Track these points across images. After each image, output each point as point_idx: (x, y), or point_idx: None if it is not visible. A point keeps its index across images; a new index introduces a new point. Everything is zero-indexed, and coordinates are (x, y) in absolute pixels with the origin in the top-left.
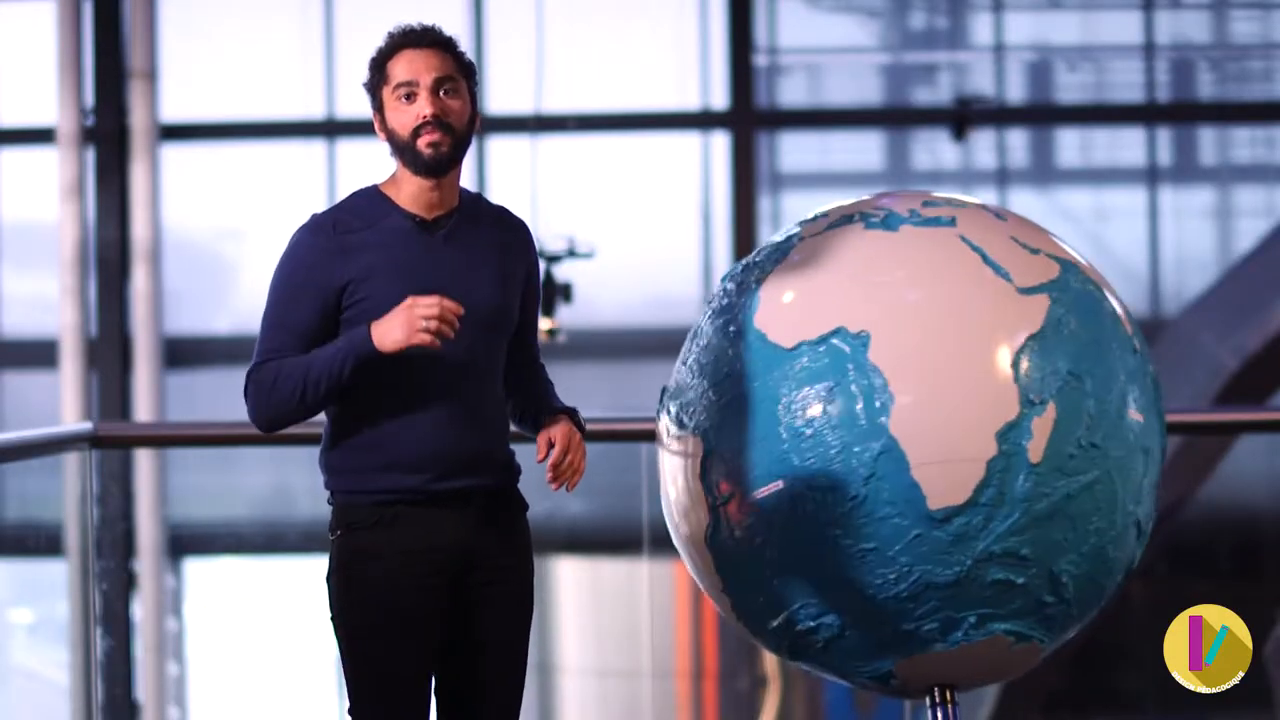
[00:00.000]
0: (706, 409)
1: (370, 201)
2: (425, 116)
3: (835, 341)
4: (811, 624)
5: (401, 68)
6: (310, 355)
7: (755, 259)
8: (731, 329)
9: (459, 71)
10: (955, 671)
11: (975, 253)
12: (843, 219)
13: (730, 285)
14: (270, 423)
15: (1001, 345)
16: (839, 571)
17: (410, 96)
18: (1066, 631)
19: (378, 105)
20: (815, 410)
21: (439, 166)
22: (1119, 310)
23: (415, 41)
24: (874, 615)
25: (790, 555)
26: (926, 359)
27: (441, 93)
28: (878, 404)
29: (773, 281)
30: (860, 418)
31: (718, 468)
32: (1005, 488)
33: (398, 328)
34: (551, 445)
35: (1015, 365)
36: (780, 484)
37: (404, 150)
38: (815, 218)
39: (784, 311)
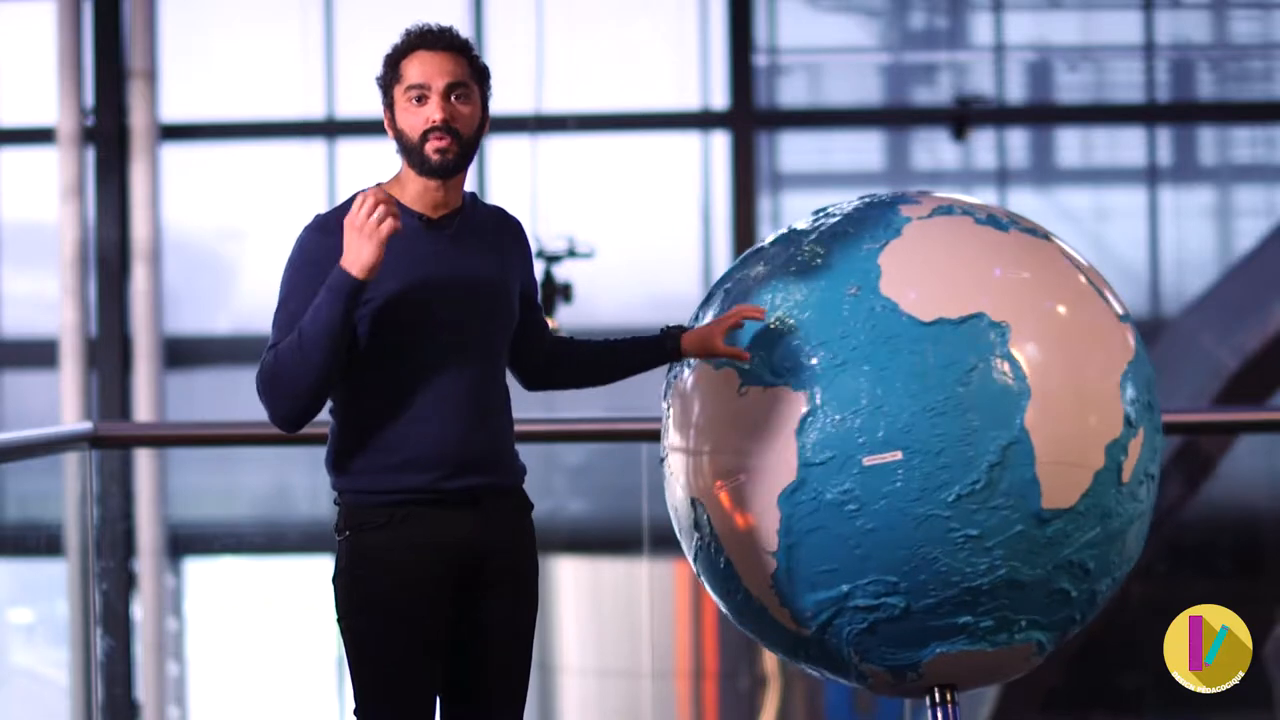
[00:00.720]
0: (811, 366)
1: None
2: (434, 121)
3: (978, 325)
4: (872, 601)
5: (415, 69)
6: (298, 323)
7: (825, 224)
8: (850, 290)
9: (472, 76)
10: (962, 670)
11: (1078, 271)
12: (940, 209)
13: (817, 247)
14: (289, 410)
15: (1115, 364)
16: (930, 553)
17: (421, 99)
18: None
19: (388, 103)
20: (952, 389)
21: (444, 172)
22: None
23: (430, 43)
24: (942, 604)
25: (884, 528)
26: (1059, 361)
27: (453, 98)
28: (1016, 394)
29: (893, 255)
30: (999, 405)
31: (820, 426)
32: (1099, 500)
33: (357, 245)
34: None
35: (1122, 385)
36: (899, 454)
37: (411, 151)
38: (874, 200)
39: (915, 286)
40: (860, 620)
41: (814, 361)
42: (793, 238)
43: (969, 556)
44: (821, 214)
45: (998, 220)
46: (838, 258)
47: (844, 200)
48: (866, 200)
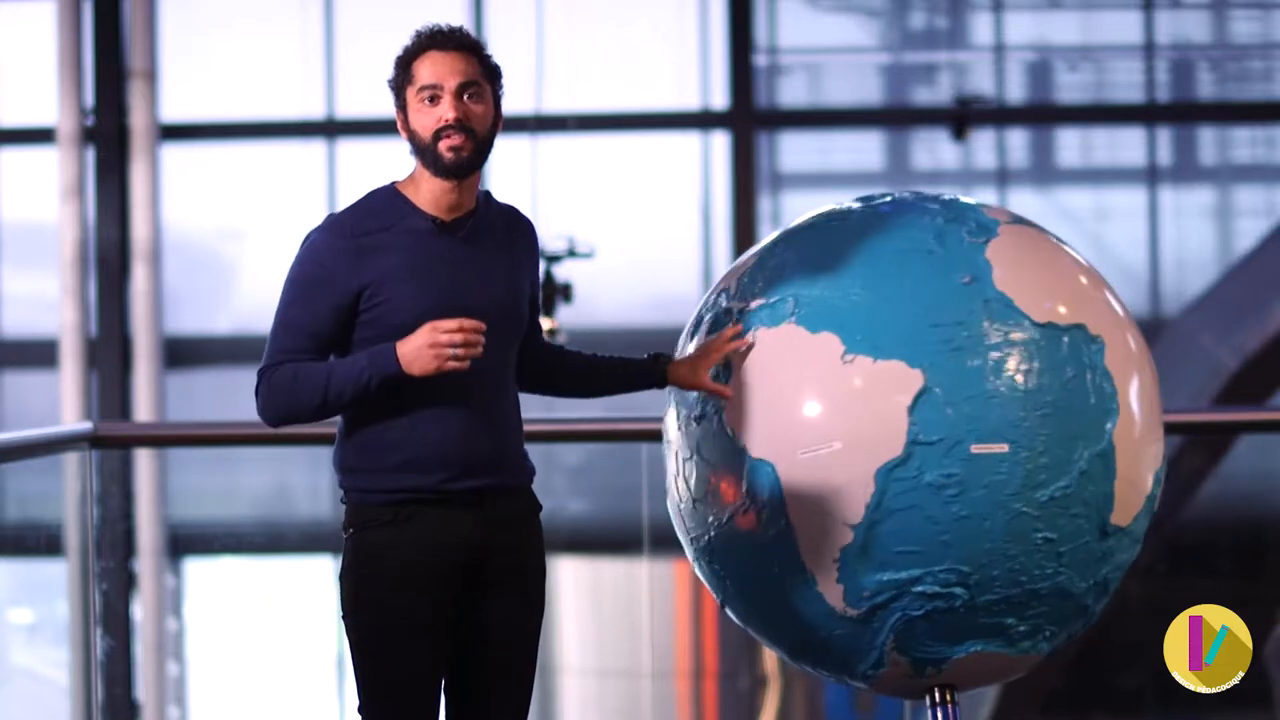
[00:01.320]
0: (926, 346)
1: (388, 202)
2: (447, 120)
3: (1081, 335)
4: (938, 589)
5: (426, 69)
6: (330, 365)
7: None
8: (964, 280)
9: (484, 76)
10: (979, 672)
11: (1116, 300)
12: (1016, 219)
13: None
14: (282, 421)
15: (1156, 395)
16: (1010, 549)
17: (434, 99)
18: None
19: (401, 104)
20: (1059, 392)
21: (459, 170)
22: None
23: (441, 44)
24: (999, 602)
25: (976, 517)
26: (1137, 384)
27: (465, 97)
28: (1108, 408)
29: (997, 253)
30: (1091, 414)
31: (935, 406)
32: (1142, 524)
33: (425, 355)
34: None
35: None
36: (1006, 447)
37: (424, 152)
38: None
39: (1024, 288)
40: (918, 606)
41: (929, 342)
42: (852, 215)
43: (1041, 559)
44: (872, 200)
45: (1060, 239)
46: (936, 245)
47: (884, 191)
48: (919, 193)
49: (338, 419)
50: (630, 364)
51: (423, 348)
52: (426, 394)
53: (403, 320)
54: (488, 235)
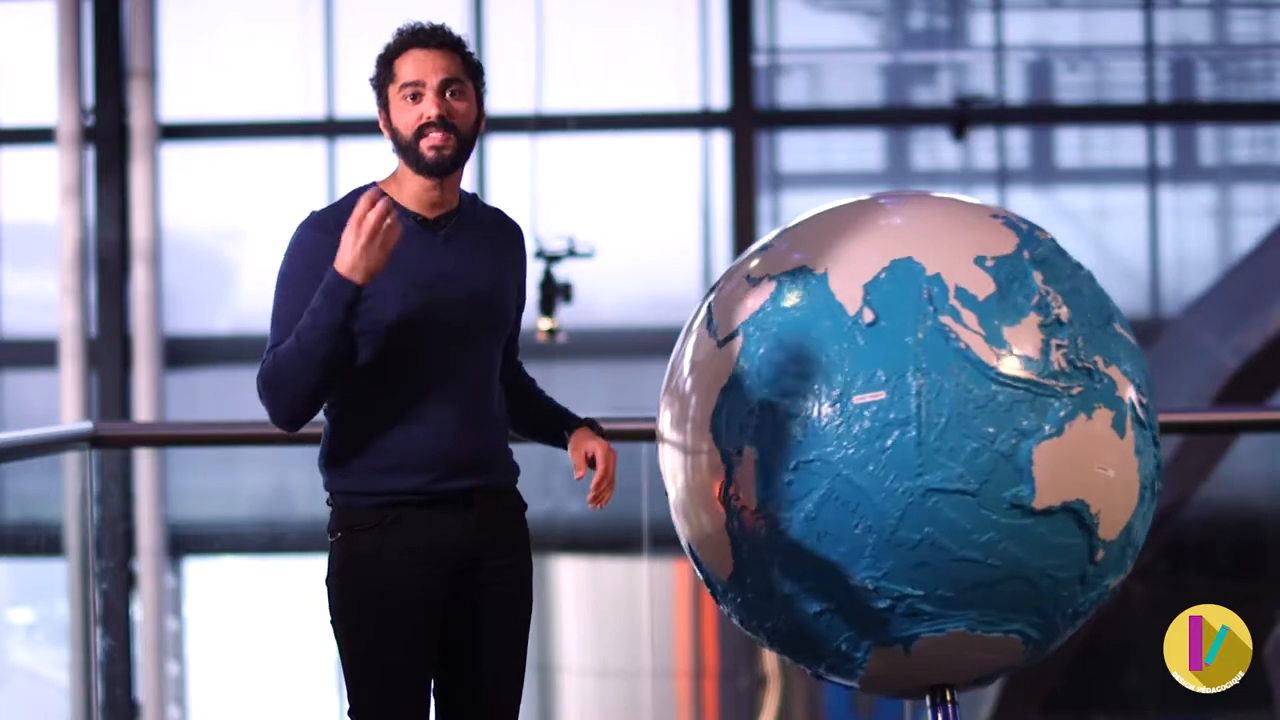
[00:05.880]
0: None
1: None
2: (430, 117)
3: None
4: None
5: (409, 67)
6: (295, 328)
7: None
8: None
9: (466, 73)
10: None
11: (705, 313)
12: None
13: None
14: (290, 411)
15: (704, 411)
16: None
17: (416, 96)
18: (975, 609)
19: (383, 102)
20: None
21: (441, 168)
22: (837, 294)
23: (423, 41)
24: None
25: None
26: (677, 448)
27: (448, 94)
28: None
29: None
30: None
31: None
32: (752, 542)
33: (358, 251)
34: (591, 462)
35: (713, 426)
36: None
37: (407, 150)
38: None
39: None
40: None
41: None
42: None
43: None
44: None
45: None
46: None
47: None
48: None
49: (324, 421)
50: (561, 419)
51: (348, 249)
52: (412, 394)
53: (387, 316)
54: (472, 235)
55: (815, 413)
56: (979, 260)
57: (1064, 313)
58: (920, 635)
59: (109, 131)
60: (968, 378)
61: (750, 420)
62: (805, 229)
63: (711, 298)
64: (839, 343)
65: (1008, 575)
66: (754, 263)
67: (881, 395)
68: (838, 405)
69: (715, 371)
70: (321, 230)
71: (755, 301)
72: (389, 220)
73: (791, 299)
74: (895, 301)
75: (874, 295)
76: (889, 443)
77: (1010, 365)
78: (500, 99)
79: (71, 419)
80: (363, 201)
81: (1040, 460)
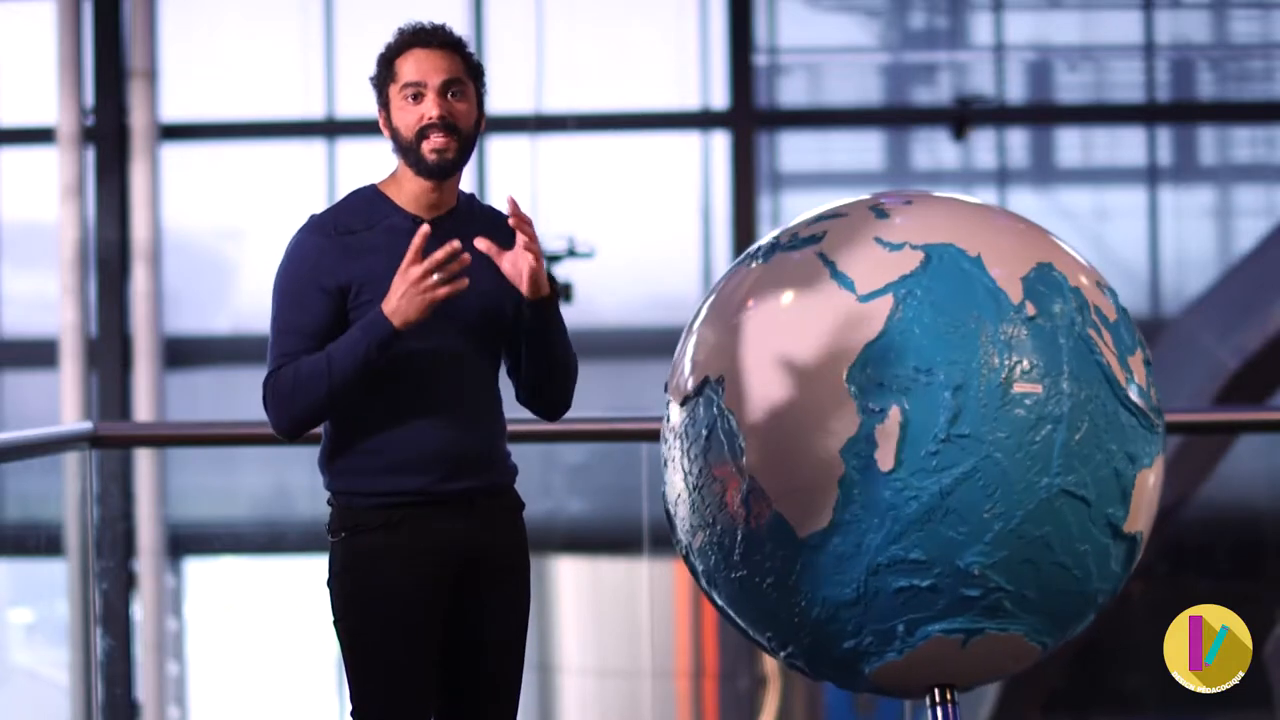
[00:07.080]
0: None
1: (369, 202)
2: (431, 118)
3: (707, 393)
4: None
5: (410, 67)
6: (327, 351)
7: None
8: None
9: (467, 73)
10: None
11: (826, 267)
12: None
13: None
14: (296, 425)
15: (835, 361)
16: (781, 605)
17: (417, 97)
18: (1036, 616)
19: (383, 102)
20: (694, 460)
21: (443, 171)
22: (998, 281)
23: (425, 41)
24: (817, 641)
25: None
26: (768, 396)
27: (449, 94)
28: (739, 446)
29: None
30: (728, 461)
31: None
32: (867, 501)
33: (411, 301)
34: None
35: (850, 379)
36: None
37: (407, 151)
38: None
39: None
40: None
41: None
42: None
43: (785, 597)
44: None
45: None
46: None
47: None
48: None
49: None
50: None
51: (404, 296)
52: (412, 395)
53: None
54: (470, 236)
55: (979, 389)
56: (1099, 285)
57: (1149, 354)
58: (986, 632)
59: (109, 131)
60: (1105, 393)
61: (900, 380)
62: (924, 209)
63: (822, 242)
64: (1003, 327)
65: (1078, 590)
66: (893, 221)
67: (1039, 389)
68: (1000, 388)
69: (849, 323)
70: (320, 234)
71: (900, 264)
72: (442, 275)
73: (945, 272)
74: (1047, 302)
75: (1029, 291)
76: (1039, 436)
77: (1132, 391)
78: (500, 99)
79: (71, 419)
80: (436, 256)
81: (1139, 487)
